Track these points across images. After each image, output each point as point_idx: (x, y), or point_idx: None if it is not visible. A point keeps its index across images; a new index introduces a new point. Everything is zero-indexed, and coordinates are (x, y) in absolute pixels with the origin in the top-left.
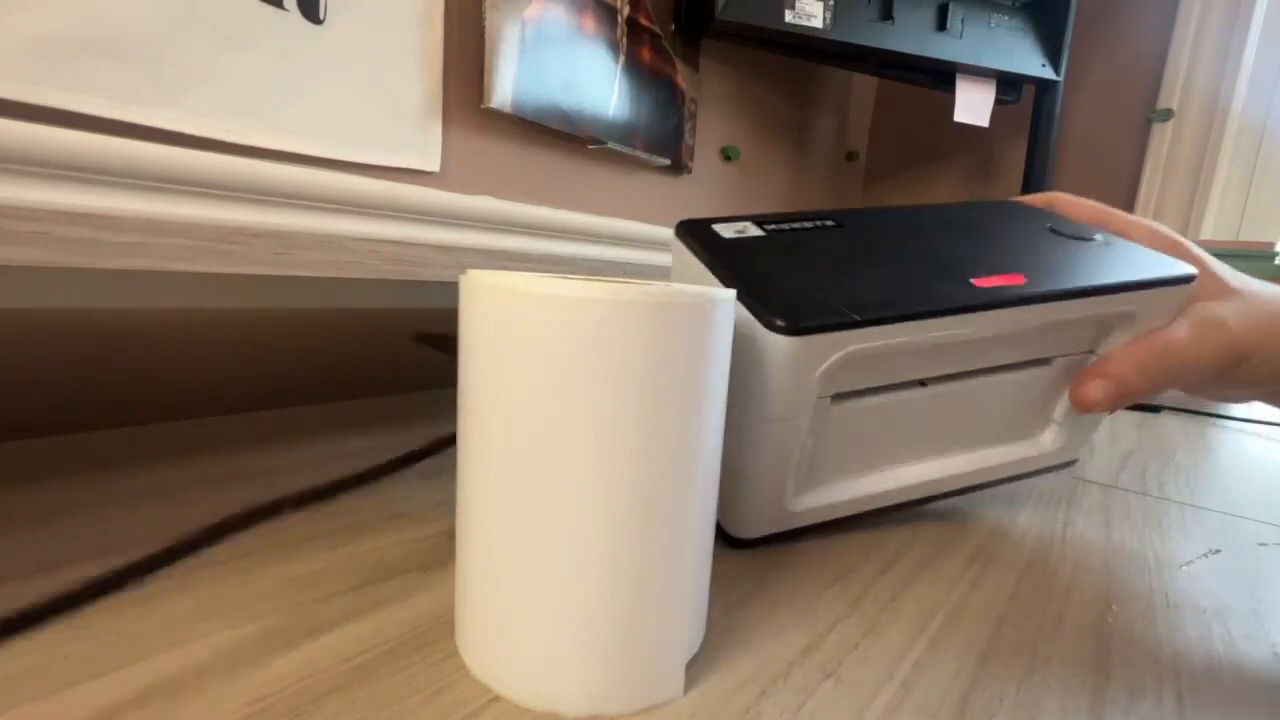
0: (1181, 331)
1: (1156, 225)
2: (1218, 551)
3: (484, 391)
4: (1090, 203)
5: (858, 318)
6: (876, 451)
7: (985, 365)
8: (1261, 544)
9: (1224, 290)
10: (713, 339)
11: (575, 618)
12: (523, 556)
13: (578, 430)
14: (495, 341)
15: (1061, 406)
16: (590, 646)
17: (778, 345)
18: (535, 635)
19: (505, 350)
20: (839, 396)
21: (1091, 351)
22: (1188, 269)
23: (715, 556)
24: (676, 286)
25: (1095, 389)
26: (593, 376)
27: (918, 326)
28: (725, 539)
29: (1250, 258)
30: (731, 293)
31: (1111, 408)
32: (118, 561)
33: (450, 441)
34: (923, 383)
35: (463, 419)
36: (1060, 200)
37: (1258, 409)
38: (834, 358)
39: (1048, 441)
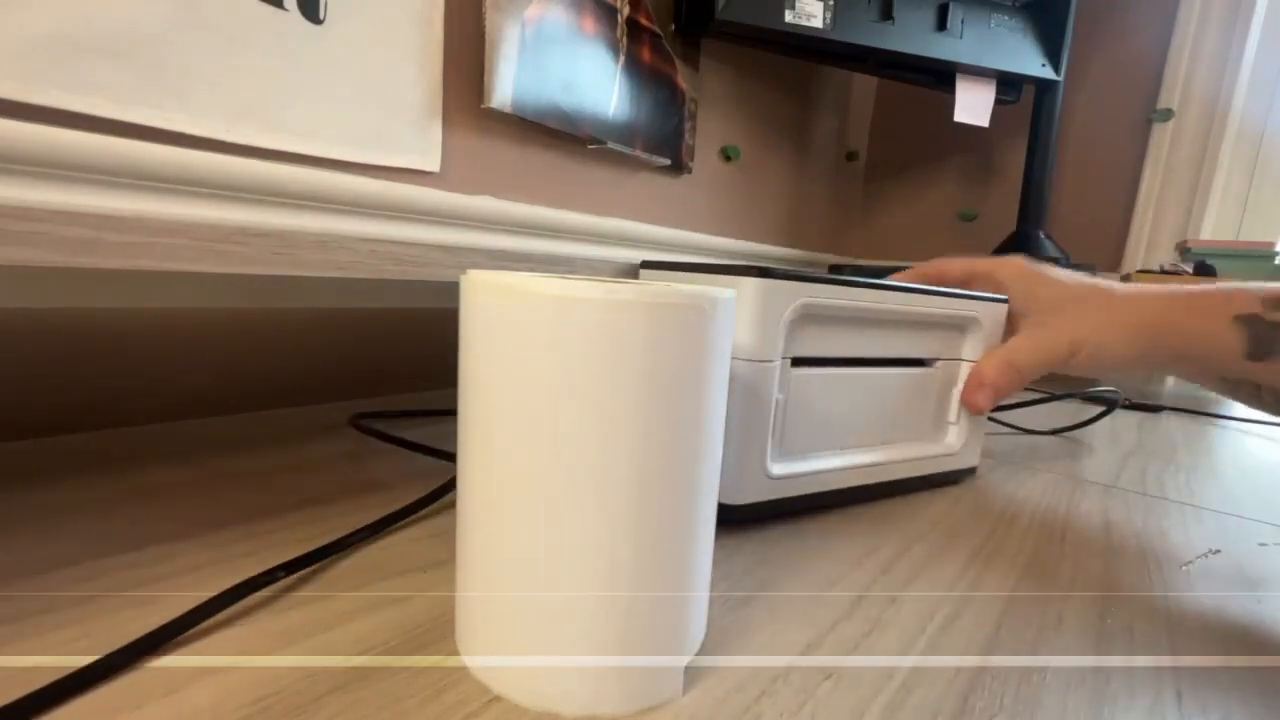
0: (1022, 338)
1: (1017, 258)
2: (1218, 551)
3: (484, 391)
4: (957, 260)
5: (807, 275)
6: (830, 431)
7: (891, 355)
8: (1261, 544)
9: (1061, 299)
10: (713, 338)
11: (574, 617)
12: (522, 555)
13: (577, 430)
14: (496, 341)
15: (954, 410)
16: (589, 647)
17: (752, 287)
18: (534, 635)
19: (506, 350)
20: (797, 362)
21: (960, 360)
22: (1001, 297)
23: (715, 557)
24: (676, 286)
25: (977, 393)
26: (592, 376)
27: (848, 291)
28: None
29: (1250, 258)
30: (731, 292)
31: (991, 404)
32: (121, 562)
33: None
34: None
35: (463, 418)
36: (935, 266)
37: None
38: (795, 303)
39: (953, 442)
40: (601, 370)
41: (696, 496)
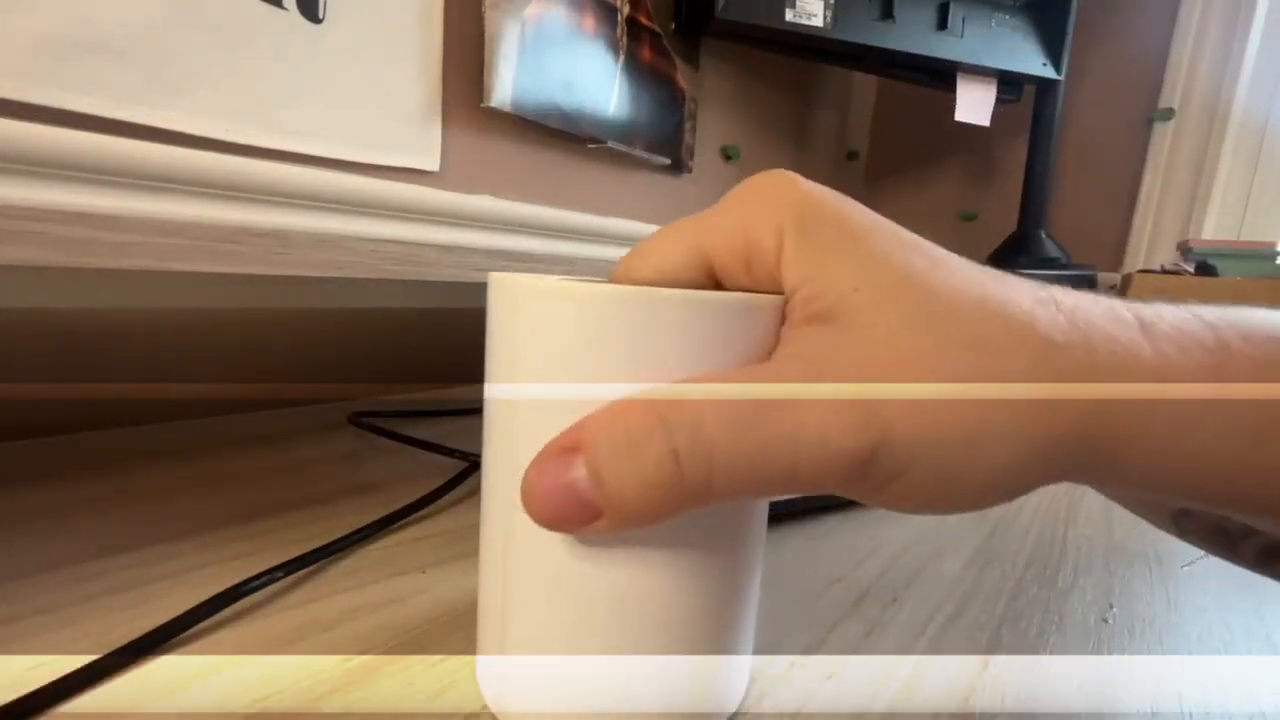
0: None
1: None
2: None
3: (519, 401)
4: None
5: None
6: None
7: None
8: None
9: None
10: (761, 341)
11: (617, 665)
12: (551, 586)
13: None
14: (534, 351)
15: None
16: (623, 691)
17: None
18: (571, 683)
19: (543, 356)
20: None
21: None
22: None
23: None
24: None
25: (556, 500)
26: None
27: None
28: None
29: (1252, 258)
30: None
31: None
32: (121, 562)
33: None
34: None
35: (492, 430)
36: None
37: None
38: None
39: None
40: (653, 373)
41: (750, 528)
